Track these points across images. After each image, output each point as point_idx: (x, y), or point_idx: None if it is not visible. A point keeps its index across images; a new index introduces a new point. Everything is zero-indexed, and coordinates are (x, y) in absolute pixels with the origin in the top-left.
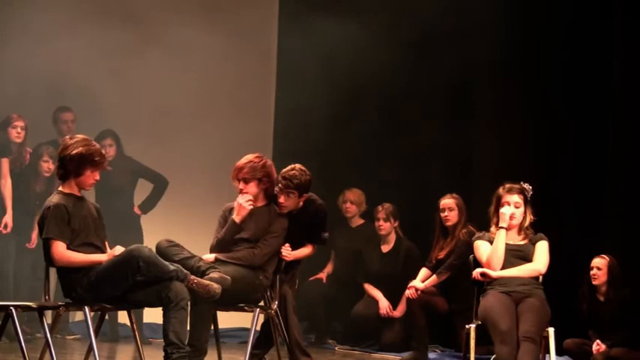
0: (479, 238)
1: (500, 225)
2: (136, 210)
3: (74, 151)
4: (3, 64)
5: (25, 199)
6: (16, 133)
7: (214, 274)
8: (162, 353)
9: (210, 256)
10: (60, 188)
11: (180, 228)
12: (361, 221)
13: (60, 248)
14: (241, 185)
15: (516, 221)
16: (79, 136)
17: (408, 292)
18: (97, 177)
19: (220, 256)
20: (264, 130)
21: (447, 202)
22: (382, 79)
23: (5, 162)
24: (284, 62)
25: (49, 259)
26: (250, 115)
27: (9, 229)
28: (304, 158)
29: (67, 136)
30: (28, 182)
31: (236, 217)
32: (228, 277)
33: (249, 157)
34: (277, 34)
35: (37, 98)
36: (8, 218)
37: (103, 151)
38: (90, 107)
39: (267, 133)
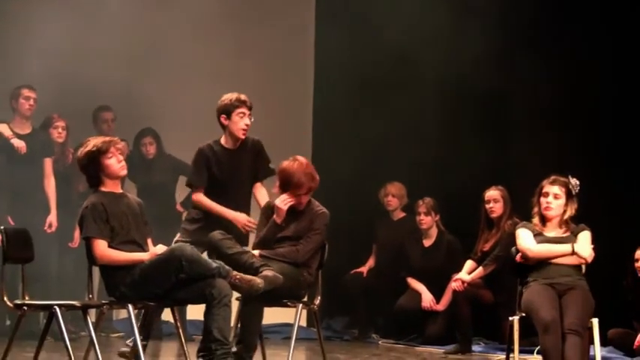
0: (521, 227)
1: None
2: (179, 207)
3: (82, 156)
4: (42, 64)
5: (68, 199)
6: (58, 133)
7: (268, 272)
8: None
9: (253, 253)
10: (100, 187)
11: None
12: (402, 214)
13: (101, 246)
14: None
15: (553, 212)
16: (83, 144)
17: (454, 285)
18: (121, 159)
19: (264, 253)
20: (302, 123)
21: (492, 193)
22: (422, 77)
23: (48, 162)
24: (321, 60)
25: (91, 258)
26: (289, 112)
27: (53, 229)
28: (344, 152)
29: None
30: (70, 182)
31: (277, 218)
32: (281, 276)
33: (297, 166)
34: (314, 34)
35: (76, 97)
36: (52, 218)
37: (109, 139)
38: (129, 105)
39: (307, 124)
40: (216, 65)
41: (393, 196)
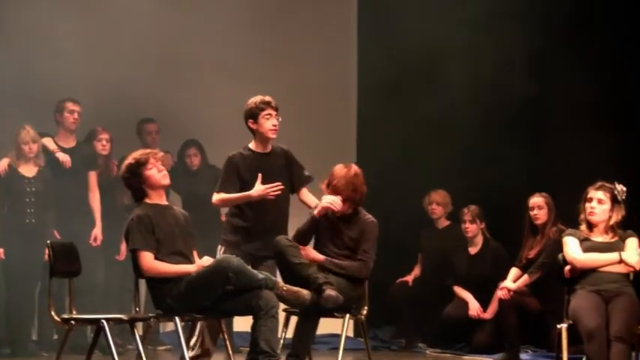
0: (568, 234)
1: None
2: (224, 218)
3: (123, 170)
4: (84, 76)
5: (114, 212)
6: (102, 146)
7: (331, 292)
8: None
9: (319, 256)
10: (144, 200)
11: None
12: (447, 222)
13: (147, 258)
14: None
15: (597, 218)
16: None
17: (500, 293)
18: (162, 169)
19: (331, 264)
20: (347, 132)
21: (537, 200)
22: (461, 82)
23: (93, 175)
24: (365, 67)
25: (137, 271)
26: (333, 120)
27: (98, 242)
28: (388, 161)
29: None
30: (115, 194)
31: (315, 211)
32: (341, 297)
33: (344, 172)
34: (357, 40)
35: (120, 109)
36: (98, 231)
37: (153, 151)
38: (173, 117)
39: (351, 134)
40: (260, 77)
41: (438, 204)
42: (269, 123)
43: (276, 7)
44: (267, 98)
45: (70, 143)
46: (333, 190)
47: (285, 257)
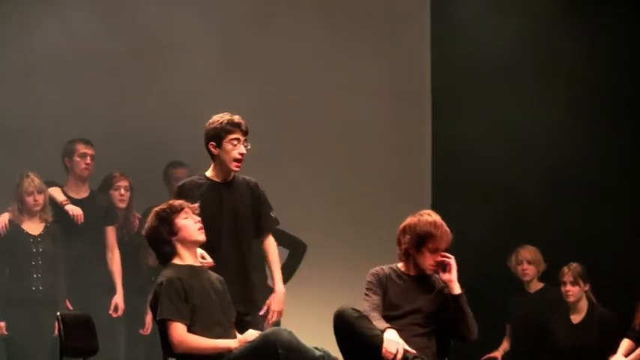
0: None
1: None
2: (270, 283)
3: (150, 220)
4: (96, 114)
5: (137, 275)
6: (120, 196)
7: None
8: None
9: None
10: (173, 260)
11: (324, 301)
12: (540, 285)
13: (179, 330)
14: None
15: None
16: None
17: None
18: (197, 220)
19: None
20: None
21: None
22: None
23: (111, 231)
24: (438, 88)
25: (166, 346)
26: (404, 152)
27: (120, 312)
28: (468, 203)
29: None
30: (139, 254)
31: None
32: None
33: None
34: (430, 59)
35: (142, 151)
36: (118, 299)
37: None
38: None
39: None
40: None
41: (529, 263)
42: (235, 152)
43: (345, 32)
44: (237, 118)
45: (82, 193)
46: (433, 251)
47: (356, 331)
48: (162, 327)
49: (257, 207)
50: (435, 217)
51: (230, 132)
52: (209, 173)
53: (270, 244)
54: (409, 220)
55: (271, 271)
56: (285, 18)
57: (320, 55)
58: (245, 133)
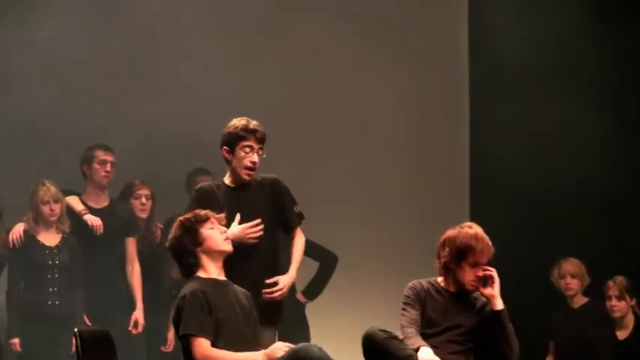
0: None
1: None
2: (299, 297)
3: (175, 230)
4: (116, 119)
5: (158, 289)
6: (141, 205)
7: None
8: None
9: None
10: (197, 273)
11: (358, 317)
12: (585, 300)
13: (203, 345)
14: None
15: None
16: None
17: None
18: (224, 231)
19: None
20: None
21: None
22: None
23: (132, 242)
24: (476, 101)
25: None
26: (441, 164)
27: (140, 328)
28: (508, 214)
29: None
30: (161, 267)
31: None
32: None
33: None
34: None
35: (162, 157)
36: (139, 314)
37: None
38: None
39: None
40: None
41: (573, 277)
42: (246, 160)
43: (380, 39)
44: (253, 125)
45: (102, 203)
46: (473, 265)
47: (386, 353)
48: (185, 343)
49: (279, 203)
50: (477, 230)
51: (243, 138)
52: (226, 179)
53: (296, 238)
54: (449, 232)
55: (290, 261)
56: (306, 19)
57: (349, 61)
58: (260, 141)
